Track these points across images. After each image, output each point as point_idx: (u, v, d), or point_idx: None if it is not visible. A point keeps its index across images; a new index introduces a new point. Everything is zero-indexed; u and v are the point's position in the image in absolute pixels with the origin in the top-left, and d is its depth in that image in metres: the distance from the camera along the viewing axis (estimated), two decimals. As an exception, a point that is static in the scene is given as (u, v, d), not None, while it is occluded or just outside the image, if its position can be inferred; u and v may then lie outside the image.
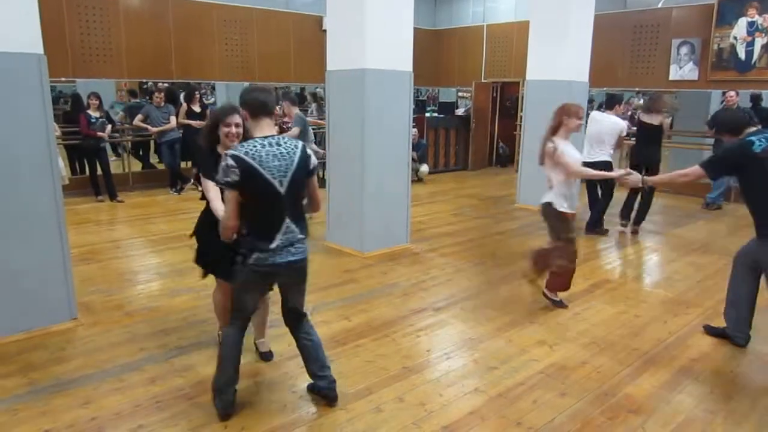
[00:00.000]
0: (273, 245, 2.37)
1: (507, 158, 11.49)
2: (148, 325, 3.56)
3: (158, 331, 3.47)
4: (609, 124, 5.84)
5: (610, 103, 6.27)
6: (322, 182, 5.71)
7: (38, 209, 3.35)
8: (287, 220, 2.38)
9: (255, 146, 2.30)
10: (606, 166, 5.71)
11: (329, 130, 5.37)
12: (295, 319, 2.67)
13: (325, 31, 8.34)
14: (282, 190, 2.32)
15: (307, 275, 2.59)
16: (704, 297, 4.25)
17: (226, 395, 2.57)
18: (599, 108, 9.96)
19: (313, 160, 2.47)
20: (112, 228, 6.32)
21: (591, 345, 3.39)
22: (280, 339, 3.35)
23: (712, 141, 7.66)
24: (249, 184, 2.28)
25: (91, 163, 7.44)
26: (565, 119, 3.66)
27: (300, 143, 2.44)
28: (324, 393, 2.68)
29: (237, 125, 2.75)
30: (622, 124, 5.90)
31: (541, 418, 2.61)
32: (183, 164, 8.19)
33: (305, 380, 2.90)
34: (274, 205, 2.35)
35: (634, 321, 3.77)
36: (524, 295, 4.22)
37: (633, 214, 6.14)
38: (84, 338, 3.36)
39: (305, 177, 2.43)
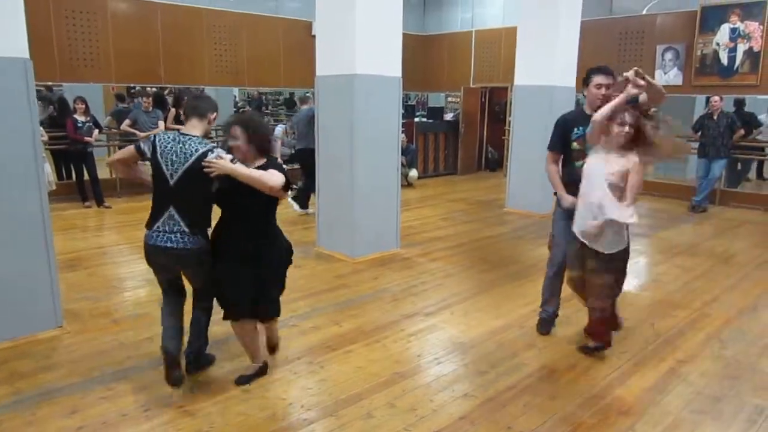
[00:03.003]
0: (154, 227, 2.62)
1: (496, 163, 11.56)
2: (135, 332, 3.52)
3: (146, 338, 3.43)
4: None
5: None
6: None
7: (24, 215, 3.30)
8: (171, 209, 2.59)
9: (168, 137, 2.62)
10: None
11: (318, 135, 5.37)
12: (194, 296, 2.90)
13: (314, 36, 8.32)
14: (171, 182, 2.57)
15: (193, 264, 2.70)
16: (691, 298, 4.30)
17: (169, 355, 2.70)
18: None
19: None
20: (99, 234, 6.25)
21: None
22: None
23: (696, 144, 7.79)
24: (152, 161, 2.62)
25: (78, 169, 7.36)
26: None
27: (205, 147, 2.56)
28: (187, 360, 2.90)
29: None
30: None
31: (531, 422, 2.62)
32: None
33: (296, 387, 2.90)
34: (164, 193, 2.61)
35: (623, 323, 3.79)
36: (514, 298, 4.24)
37: None
38: (70, 346, 3.32)
39: (203, 179, 2.55)
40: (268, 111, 14.19)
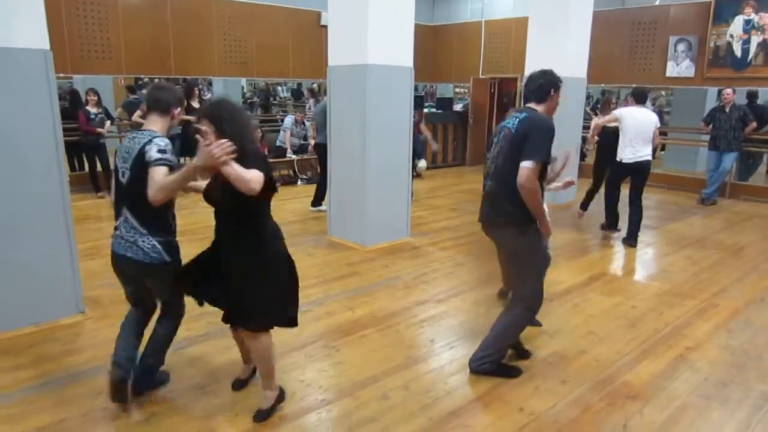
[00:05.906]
0: (114, 231, 2.56)
1: (504, 154, 11.54)
2: (153, 318, 3.60)
3: (166, 323, 3.52)
4: (649, 118, 5.28)
5: (643, 97, 5.51)
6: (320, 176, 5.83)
7: (46, 204, 3.39)
8: (125, 210, 2.49)
9: (130, 135, 2.49)
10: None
11: (330, 125, 5.43)
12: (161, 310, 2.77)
13: (323, 26, 8.35)
14: (123, 180, 2.44)
15: (150, 276, 2.54)
16: (699, 289, 4.35)
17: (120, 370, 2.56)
18: (596, 105, 10.02)
19: (152, 154, 2.32)
20: (114, 224, 6.34)
21: (590, 335, 3.47)
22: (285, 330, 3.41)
23: (707, 137, 7.78)
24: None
25: (90, 160, 7.46)
26: None
27: (149, 137, 2.37)
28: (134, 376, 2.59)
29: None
30: (656, 117, 5.44)
31: (542, 404, 2.69)
32: (182, 159, 8.21)
33: (313, 369, 2.98)
34: (119, 193, 2.50)
35: (631, 312, 3.85)
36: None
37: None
38: (93, 331, 3.42)
39: (143, 170, 2.34)
40: (276, 101, 14.25)
